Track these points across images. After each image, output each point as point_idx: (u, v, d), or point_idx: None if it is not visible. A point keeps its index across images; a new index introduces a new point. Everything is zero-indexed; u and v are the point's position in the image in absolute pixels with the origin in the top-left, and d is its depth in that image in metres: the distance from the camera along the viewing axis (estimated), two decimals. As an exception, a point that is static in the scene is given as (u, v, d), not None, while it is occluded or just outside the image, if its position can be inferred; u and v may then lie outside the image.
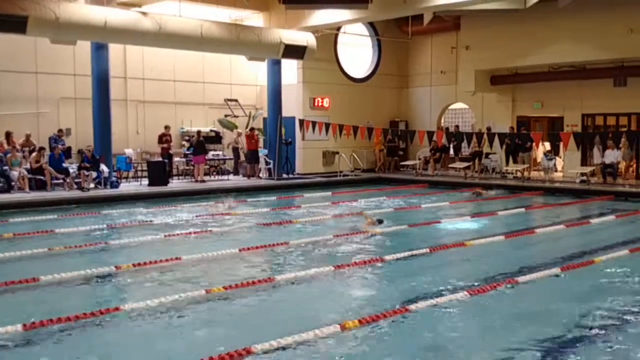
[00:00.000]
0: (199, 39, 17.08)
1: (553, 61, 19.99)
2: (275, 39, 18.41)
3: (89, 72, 17.38)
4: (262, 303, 7.01)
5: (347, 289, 7.64)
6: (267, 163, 20.67)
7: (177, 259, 8.71)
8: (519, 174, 20.31)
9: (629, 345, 5.60)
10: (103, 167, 16.79)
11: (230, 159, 21.43)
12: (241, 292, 7.16)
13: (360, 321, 5.99)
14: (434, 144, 21.62)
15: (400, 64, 25.24)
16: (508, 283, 7.57)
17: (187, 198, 16.31)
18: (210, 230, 11.43)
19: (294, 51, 18.87)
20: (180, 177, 19.91)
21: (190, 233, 11.04)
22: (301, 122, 20.52)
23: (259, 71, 22.30)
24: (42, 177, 16.05)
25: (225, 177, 20.38)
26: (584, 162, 20.28)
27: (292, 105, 21.70)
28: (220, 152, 20.99)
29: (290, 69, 21.78)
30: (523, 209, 14.87)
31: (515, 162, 20.76)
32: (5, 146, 16.23)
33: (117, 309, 6.39)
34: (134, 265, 8.37)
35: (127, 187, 17.52)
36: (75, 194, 15.88)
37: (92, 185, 16.61)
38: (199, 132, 19.63)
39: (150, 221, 12.52)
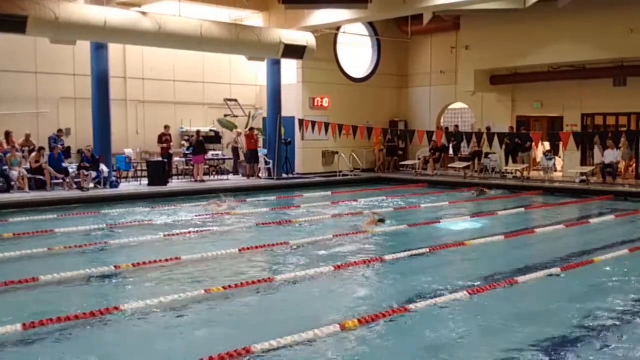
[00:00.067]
0: (199, 39, 17.08)
1: (553, 61, 19.98)
2: (275, 39, 18.41)
3: (89, 72, 17.37)
4: (262, 303, 7.02)
5: (347, 289, 7.64)
6: (266, 163, 20.66)
7: (176, 259, 8.71)
8: (518, 174, 20.31)
9: (629, 345, 5.60)
10: (103, 167, 16.78)
11: (229, 158, 21.43)
12: (241, 292, 7.16)
13: (360, 321, 5.99)
14: (434, 143, 21.62)
15: (400, 63, 25.23)
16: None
17: (186, 198, 16.32)
18: (210, 230, 11.43)
19: (294, 51, 18.86)
20: (180, 177, 19.91)
21: (189, 233, 11.04)
22: (301, 122, 20.52)
23: (258, 71, 22.30)
24: (41, 177, 16.04)
25: (225, 177, 20.38)
26: (584, 162, 20.29)
27: (292, 105, 21.69)
28: (220, 152, 20.98)
29: (290, 69, 21.77)
30: (523, 209, 14.87)
31: (514, 162, 20.76)
32: (5, 146, 16.22)
33: (117, 309, 6.38)
34: (133, 265, 8.37)
35: (126, 187, 17.52)
36: (75, 194, 15.87)
37: (91, 185, 16.60)
38: (198, 132, 19.63)
39: (150, 221, 12.52)
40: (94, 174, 16.54)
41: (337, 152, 22.36)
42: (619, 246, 10.06)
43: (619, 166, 19.10)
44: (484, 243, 10.28)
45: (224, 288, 7.20)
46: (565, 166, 20.75)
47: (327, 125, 19.97)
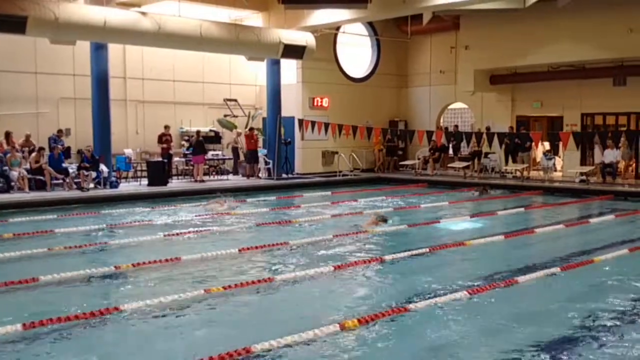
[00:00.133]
0: (199, 39, 17.08)
1: (552, 61, 19.99)
2: (274, 38, 18.41)
3: (89, 72, 17.37)
4: (262, 303, 7.02)
5: (347, 289, 7.64)
6: (266, 163, 20.66)
7: (176, 259, 8.71)
8: (518, 174, 20.31)
9: (629, 345, 5.60)
10: (102, 167, 16.78)
11: (229, 158, 21.43)
12: (241, 292, 7.16)
13: (360, 321, 5.99)
14: (433, 143, 21.62)
15: (400, 63, 25.23)
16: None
17: (186, 198, 16.31)
18: (209, 230, 11.42)
19: (293, 51, 18.87)
20: (180, 177, 19.91)
21: (189, 233, 11.04)
22: (300, 122, 20.52)
23: (258, 71, 22.30)
24: (41, 177, 16.03)
25: (225, 177, 20.38)
26: (584, 161, 20.29)
27: (292, 105, 21.69)
28: (220, 152, 20.98)
29: (290, 68, 21.77)
30: (522, 209, 14.88)
31: (514, 161, 20.76)
32: (5, 146, 16.21)
33: (117, 309, 6.39)
34: (133, 265, 8.37)
35: (126, 187, 17.52)
36: (75, 194, 15.87)
37: (91, 185, 16.60)
38: (198, 132, 19.62)
39: (150, 221, 12.52)
40: (93, 174, 16.53)
41: (336, 152, 22.35)
42: (618, 246, 10.07)
43: (618, 166, 19.11)
44: (483, 243, 10.28)
45: (224, 288, 7.20)
46: (565, 166, 20.75)
47: (326, 125, 19.96)
